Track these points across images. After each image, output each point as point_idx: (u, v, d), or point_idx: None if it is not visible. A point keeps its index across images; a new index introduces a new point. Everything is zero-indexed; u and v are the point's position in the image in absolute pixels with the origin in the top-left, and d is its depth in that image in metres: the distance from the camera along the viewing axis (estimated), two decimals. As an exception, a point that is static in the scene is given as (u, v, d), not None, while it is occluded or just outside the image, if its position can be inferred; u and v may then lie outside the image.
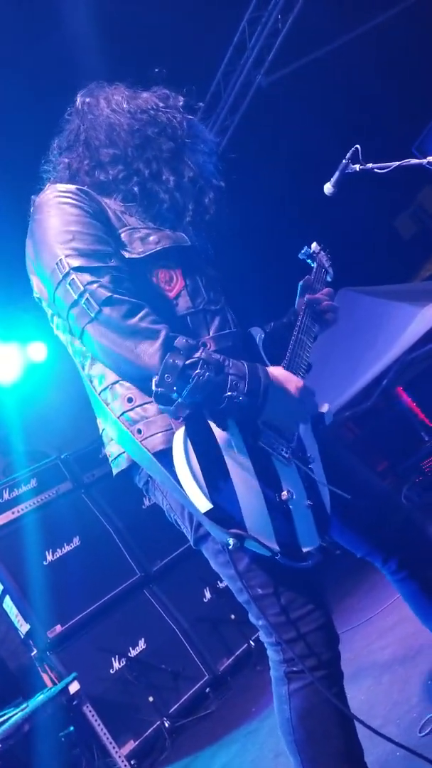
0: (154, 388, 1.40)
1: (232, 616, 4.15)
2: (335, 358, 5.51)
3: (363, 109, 6.47)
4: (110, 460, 1.70)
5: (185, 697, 3.81)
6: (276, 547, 1.40)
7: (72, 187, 1.63)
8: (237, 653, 4.09)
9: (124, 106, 1.72)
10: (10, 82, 4.44)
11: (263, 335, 1.75)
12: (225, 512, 1.36)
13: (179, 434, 1.42)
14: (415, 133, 7.10)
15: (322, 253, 2.05)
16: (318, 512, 1.54)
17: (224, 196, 1.79)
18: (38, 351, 5.67)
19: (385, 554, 1.70)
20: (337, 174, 2.16)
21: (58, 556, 3.89)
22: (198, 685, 3.89)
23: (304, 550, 1.46)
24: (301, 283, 1.88)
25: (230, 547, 1.37)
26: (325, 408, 1.71)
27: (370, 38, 6.26)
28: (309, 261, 2.02)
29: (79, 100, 1.78)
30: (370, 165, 2.13)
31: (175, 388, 1.38)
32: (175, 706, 3.75)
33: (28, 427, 5.14)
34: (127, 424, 1.55)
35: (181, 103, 1.78)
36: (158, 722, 3.61)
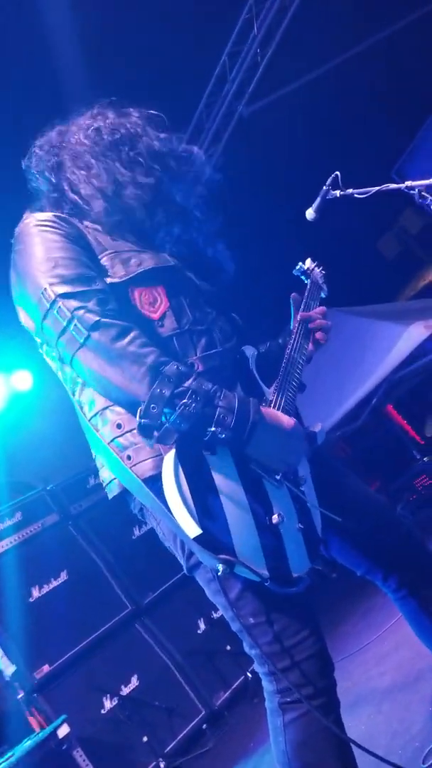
0: (138, 418, 1.39)
1: (228, 647, 4.04)
2: (323, 378, 5.50)
3: (342, 136, 6.61)
4: (104, 485, 1.69)
5: (181, 735, 3.68)
6: (266, 573, 1.38)
7: (49, 214, 1.63)
8: (234, 686, 3.97)
9: (82, 125, 1.74)
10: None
11: (256, 354, 1.72)
12: (215, 537, 1.35)
13: (169, 458, 1.41)
14: (394, 158, 7.25)
15: (316, 269, 2.04)
16: (309, 535, 1.52)
17: (199, 205, 1.77)
18: (24, 380, 5.62)
19: (384, 572, 1.68)
20: (318, 200, 2.19)
21: (44, 591, 3.76)
22: (194, 722, 3.76)
23: (295, 575, 1.44)
24: (291, 300, 1.87)
25: (219, 574, 1.35)
26: (317, 427, 1.68)
27: (346, 69, 6.43)
28: (303, 278, 2.01)
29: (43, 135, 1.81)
30: (350, 190, 2.16)
31: (162, 416, 1.38)
32: (171, 745, 3.61)
33: (12, 457, 5.06)
34: (117, 451, 1.54)
35: (145, 119, 1.77)
36: (154, 763, 3.46)
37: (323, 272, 2.05)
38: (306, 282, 1.99)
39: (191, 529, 1.35)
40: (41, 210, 1.70)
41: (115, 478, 1.62)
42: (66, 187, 1.71)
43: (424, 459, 5.79)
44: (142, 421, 1.38)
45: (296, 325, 1.77)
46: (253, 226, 7.00)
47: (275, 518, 1.44)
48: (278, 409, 1.57)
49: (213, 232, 1.81)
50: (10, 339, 5.28)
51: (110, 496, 1.67)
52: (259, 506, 1.44)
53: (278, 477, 1.49)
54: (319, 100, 6.37)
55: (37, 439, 5.53)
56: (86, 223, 1.66)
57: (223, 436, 1.39)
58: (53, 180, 1.73)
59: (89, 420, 1.61)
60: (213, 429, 1.39)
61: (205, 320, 1.65)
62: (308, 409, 1.79)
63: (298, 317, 1.78)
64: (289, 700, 1.47)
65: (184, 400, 1.37)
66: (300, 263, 2.04)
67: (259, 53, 5.82)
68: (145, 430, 1.39)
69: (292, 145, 6.58)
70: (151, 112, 1.80)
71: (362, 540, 1.67)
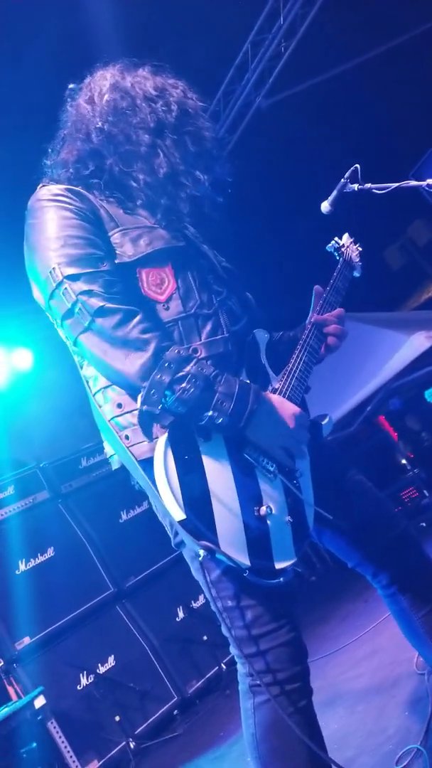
0: (139, 405, 1.41)
1: (205, 638, 4.07)
2: (320, 381, 5.48)
3: (360, 136, 6.56)
4: (108, 457, 1.71)
5: (152, 718, 3.71)
6: (247, 563, 1.40)
7: (62, 187, 1.61)
8: (207, 676, 4.00)
9: (106, 96, 1.66)
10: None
11: (268, 338, 1.69)
12: (198, 524, 1.37)
13: (161, 442, 1.42)
14: (413, 160, 7.20)
15: (352, 246, 1.98)
16: (297, 528, 1.52)
17: (209, 192, 1.71)
18: (24, 359, 5.60)
19: (375, 568, 1.68)
20: (335, 193, 2.14)
21: (31, 566, 3.79)
22: (166, 707, 3.79)
23: (278, 566, 1.45)
24: (313, 293, 1.81)
25: (200, 559, 1.38)
26: (325, 420, 1.67)
27: (369, 68, 6.36)
28: (336, 254, 1.95)
29: (68, 89, 1.75)
30: (368, 185, 2.11)
31: (161, 401, 1.39)
32: (142, 727, 3.65)
33: (8, 434, 5.06)
34: (116, 429, 1.55)
35: (177, 92, 1.69)
36: (123, 743, 3.50)
37: (360, 249, 1.98)
38: (338, 259, 1.92)
39: (176, 513, 1.37)
40: (57, 181, 1.66)
41: (115, 453, 1.64)
42: (76, 160, 1.67)
43: (414, 471, 5.81)
44: (144, 407, 1.40)
45: (310, 324, 1.73)
46: (261, 222, 6.96)
47: (263, 510, 1.45)
48: (285, 397, 1.56)
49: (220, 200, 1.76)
50: (12, 318, 5.26)
51: (114, 468, 1.69)
52: (248, 496, 1.45)
53: (272, 469, 1.49)
54: (339, 98, 6.31)
55: (33, 419, 5.53)
56: (101, 196, 1.63)
57: (220, 421, 1.40)
58: (67, 150, 1.68)
59: (93, 395, 1.62)
60: (210, 413, 1.40)
61: (213, 303, 1.61)
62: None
63: (313, 319, 1.74)
64: (259, 683, 1.49)
65: (183, 385, 1.38)
66: (335, 238, 1.97)
67: (283, 44, 5.76)
68: (145, 417, 1.41)
69: (309, 141, 6.53)
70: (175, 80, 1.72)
71: (355, 534, 1.67)
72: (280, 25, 5.62)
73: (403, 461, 5.92)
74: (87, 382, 1.65)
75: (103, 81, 1.69)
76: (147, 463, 1.46)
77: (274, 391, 1.58)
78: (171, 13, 5.02)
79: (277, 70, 5.90)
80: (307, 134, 6.51)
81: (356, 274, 1.96)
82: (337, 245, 1.98)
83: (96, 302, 1.44)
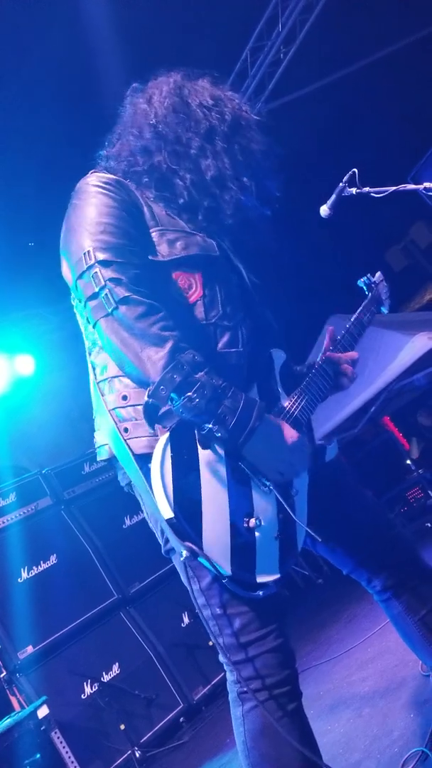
0: (146, 398, 1.41)
1: (210, 643, 4.04)
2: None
3: (360, 140, 6.58)
4: (96, 447, 1.71)
5: (158, 726, 3.70)
6: (228, 571, 1.40)
7: (111, 177, 1.64)
8: (213, 682, 3.99)
9: (164, 98, 1.71)
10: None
11: (284, 359, 1.70)
12: (185, 525, 1.38)
13: (162, 440, 1.43)
14: (411, 164, 7.22)
15: (382, 284, 2.02)
16: (286, 545, 1.52)
17: (256, 203, 1.72)
18: (26, 364, 5.61)
19: (369, 574, 1.69)
20: (333, 197, 2.17)
21: (33, 573, 3.79)
22: (172, 714, 3.78)
23: (260, 580, 1.45)
24: (325, 330, 1.81)
25: (182, 559, 1.39)
26: (332, 444, 1.69)
27: (368, 73, 6.40)
28: (365, 289, 2.00)
29: (131, 87, 1.79)
30: (366, 189, 2.13)
31: (168, 399, 1.40)
32: (147, 736, 3.63)
33: (9, 440, 5.06)
34: (117, 420, 1.56)
35: (233, 104, 1.73)
36: (129, 752, 3.48)
37: (387, 287, 2.03)
38: (367, 294, 1.97)
39: (165, 510, 1.38)
40: (107, 171, 1.69)
41: (106, 444, 1.64)
42: (128, 154, 1.70)
43: (419, 471, 5.80)
44: (150, 400, 1.41)
45: (322, 359, 1.71)
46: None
47: (251, 522, 1.44)
48: (291, 418, 1.57)
49: (265, 214, 1.78)
50: (13, 324, 5.28)
51: (98, 459, 1.70)
52: (240, 506, 1.45)
53: (267, 483, 1.49)
54: (340, 102, 6.34)
55: (35, 424, 5.54)
56: (147, 193, 1.66)
57: (219, 435, 1.41)
58: (122, 144, 1.72)
59: (98, 383, 1.63)
60: (210, 426, 1.40)
61: (234, 317, 1.63)
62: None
63: (325, 356, 1.72)
64: (246, 690, 1.49)
65: (190, 393, 1.38)
66: (368, 275, 2.02)
67: (282, 50, 5.79)
68: (149, 409, 1.42)
69: (309, 146, 6.55)
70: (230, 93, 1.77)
71: (347, 543, 1.68)
72: (279, 31, 5.64)
73: (408, 462, 5.92)
74: (94, 368, 1.66)
75: (164, 85, 1.75)
76: (143, 458, 1.47)
77: (282, 409, 1.58)
78: (171, 19, 5.04)
79: (276, 76, 5.93)
80: (308, 139, 6.52)
81: (384, 310, 2.00)
82: (368, 281, 2.01)
83: (122, 291, 1.45)
